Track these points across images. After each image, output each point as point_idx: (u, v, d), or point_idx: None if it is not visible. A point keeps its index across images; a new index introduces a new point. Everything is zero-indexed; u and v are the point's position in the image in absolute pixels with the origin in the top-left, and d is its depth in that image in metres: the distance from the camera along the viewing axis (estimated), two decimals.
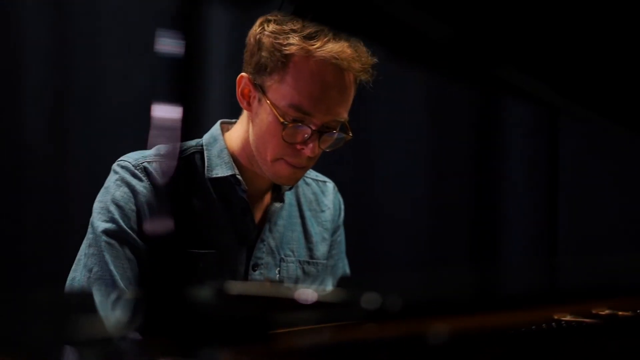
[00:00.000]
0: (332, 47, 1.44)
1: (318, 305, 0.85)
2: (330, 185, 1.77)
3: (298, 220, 1.69)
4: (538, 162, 2.40)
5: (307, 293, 0.86)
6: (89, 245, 1.49)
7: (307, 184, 1.72)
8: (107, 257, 1.47)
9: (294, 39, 1.45)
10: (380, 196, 2.44)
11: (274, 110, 1.46)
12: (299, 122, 1.46)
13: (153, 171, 1.53)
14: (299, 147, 1.48)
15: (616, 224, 2.29)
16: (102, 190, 1.54)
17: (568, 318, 1.08)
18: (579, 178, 2.35)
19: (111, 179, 1.53)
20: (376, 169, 2.45)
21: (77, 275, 1.50)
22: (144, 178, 1.52)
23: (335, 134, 1.50)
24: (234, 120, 1.64)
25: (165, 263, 1.55)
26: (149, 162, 1.54)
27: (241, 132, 1.58)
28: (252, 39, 1.51)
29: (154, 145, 0.70)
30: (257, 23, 1.51)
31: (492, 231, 2.43)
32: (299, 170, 1.53)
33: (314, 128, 1.47)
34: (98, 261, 1.47)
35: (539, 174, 2.40)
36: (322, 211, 1.73)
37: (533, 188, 2.41)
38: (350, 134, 1.51)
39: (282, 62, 1.45)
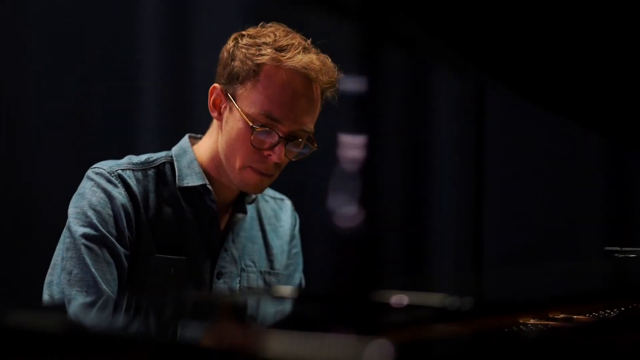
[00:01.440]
0: (301, 58, 1.53)
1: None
2: (288, 202, 1.84)
3: (259, 233, 1.75)
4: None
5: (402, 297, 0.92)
6: (67, 249, 1.52)
7: (266, 200, 1.79)
8: (87, 260, 1.50)
9: (265, 50, 1.53)
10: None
11: (244, 117, 1.53)
12: (267, 128, 1.53)
13: (127, 178, 1.58)
14: (266, 153, 1.55)
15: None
16: (76, 196, 1.57)
17: (533, 322, 1.16)
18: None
19: (86, 185, 1.57)
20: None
21: (55, 278, 1.53)
22: (119, 184, 1.57)
23: (302, 144, 1.57)
24: (199, 135, 1.71)
25: (140, 267, 1.60)
26: (122, 169, 1.59)
27: (210, 143, 1.64)
28: (225, 53, 1.59)
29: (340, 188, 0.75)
30: (231, 38, 1.59)
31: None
32: (265, 178, 1.59)
33: (281, 135, 1.54)
34: (77, 264, 1.51)
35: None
36: (281, 226, 1.80)
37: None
38: (316, 146, 1.59)
39: (254, 70, 1.53)
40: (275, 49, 1.53)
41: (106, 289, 1.50)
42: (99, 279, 1.50)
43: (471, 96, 2.44)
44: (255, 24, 1.63)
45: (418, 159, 2.52)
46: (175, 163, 1.64)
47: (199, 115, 2.37)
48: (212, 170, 1.64)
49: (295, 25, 1.62)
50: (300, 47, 1.55)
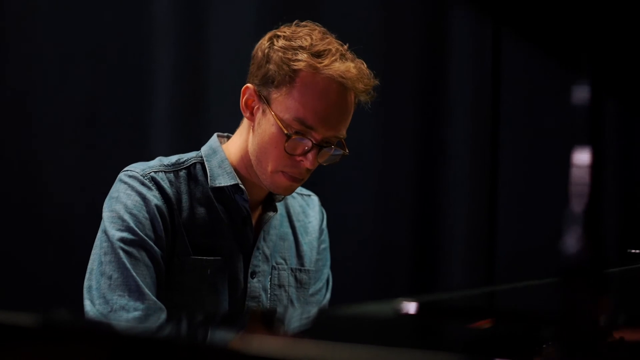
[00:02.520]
0: (338, 67, 1.52)
1: None
2: (315, 198, 1.85)
3: (289, 230, 1.76)
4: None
5: None
6: (105, 253, 1.53)
7: (293, 197, 1.79)
8: (127, 264, 1.51)
9: (302, 55, 1.52)
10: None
11: (278, 122, 1.53)
12: (301, 134, 1.53)
13: (160, 181, 1.58)
14: (298, 158, 1.55)
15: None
16: (110, 200, 1.58)
17: None
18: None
19: (120, 189, 1.58)
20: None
21: (93, 283, 1.53)
22: (152, 187, 1.57)
23: (333, 149, 1.58)
24: (226, 134, 1.71)
25: (176, 269, 1.60)
26: (155, 172, 1.60)
27: (240, 143, 1.64)
28: (259, 53, 1.58)
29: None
30: (266, 38, 1.58)
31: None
32: (296, 182, 1.60)
33: (314, 142, 1.54)
34: (117, 268, 1.51)
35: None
36: (310, 222, 1.80)
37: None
38: (347, 151, 1.59)
39: (289, 76, 1.52)
40: (312, 55, 1.52)
41: (149, 292, 1.50)
42: (141, 283, 1.50)
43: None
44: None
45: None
46: (206, 163, 1.64)
47: (212, 114, 2.41)
48: (243, 169, 1.64)
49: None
50: (338, 54, 1.54)
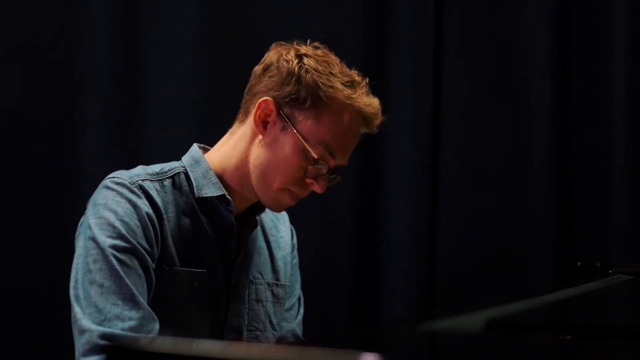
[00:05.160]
0: (368, 102, 1.57)
1: None
2: (285, 213, 1.82)
3: (264, 244, 1.73)
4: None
5: None
6: (94, 261, 1.45)
7: (265, 212, 1.75)
8: (120, 272, 1.44)
9: (336, 84, 1.54)
10: None
11: (304, 144, 1.53)
12: (322, 159, 1.54)
13: (148, 189, 1.53)
14: (308, 181, 1.56)
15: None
16: (96, 207, 1.51)
17: None
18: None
19: (108, 195, 1.51)
20: None
21: (81, 292, 1.45)
22: (141, 195, 1.52)
23: (337, 177, 1.62)
24: (202, 145, 1.67)
25: (164, 280, 1.53)
26: (142, 180, 1.54)
27: (231, 152, 1.61)
28: (284, 69, 1.55)
29: None
30: (292, 54, 1.56)
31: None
32: (295, 201, 1.61)
33: (330, 167, 1.57)
34: (109, 276, 1.44)
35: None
36: (281, 237, 1.78)
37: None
38: (340, 177, 1.62)
39: (323, 102, 1.53)
40: (344, 84, 1.55)
41: (143, 301, 1.45)
42: (135, 291, 1.44)
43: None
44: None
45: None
46: (190, 173, 1.60)
47: (152, 115, 2.30)
48: (229, 179, 1.61)
49: None
50: (365, 87, 1.58)
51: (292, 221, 1.81)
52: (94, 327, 1.40)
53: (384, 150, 2.44)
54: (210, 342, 1.39)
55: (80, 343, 1.41)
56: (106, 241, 1.45)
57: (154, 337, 1.40)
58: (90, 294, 1.43)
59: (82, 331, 1.41)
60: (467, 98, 2.48)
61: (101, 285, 1.43)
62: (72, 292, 1.46)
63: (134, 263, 1.45)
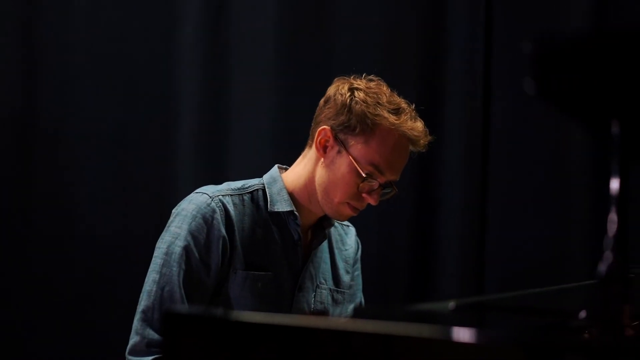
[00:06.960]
0: (412, 126, 1.79)
1: None
2: (352, 229, 2.08)
3: (328, 255, 1.98)
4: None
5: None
6: (162, 265, 1.76)
7: (335, 226, 2.01)
8: (180, 280, 1.75)
9: (382, 112, 1.78)
10: None
11: (356, 165, 1.78)
12: (372, 177, 1.78)
13: (226, 204, 1.81)
14: (364, 195, 1.81)
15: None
16: (178, 218, 1.80)
17: None
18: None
19: (188, 208, 1.80)
20: None
21: (150, 289, 1.77)
22: (217, 209, 1.79)
23: (391, 190, 1.85)
24: (284, 166, 1.94)
25: (231, 281, 1.80)
26: (223, 195, 1.82)
27: (302, 173, 1.87)
28: (339, 101, 1.81)
29: None
30: (345, 88, 1.81)
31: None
32: (355, 213, 1.85)
33: (381, 183, 1.81)
34: (168, 281, 1.75)
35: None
36: (346, 249, 2.03)
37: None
38: (396, 190, 1.85)
39: (370, 128, 1.78)
40: (390, 112, 1.78)
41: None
42: (185, 299, 1.74)
43: None
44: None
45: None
46: (267, 190, 1.86)
47: (235, 135, 2.61)
48: (300, 196, 1.87)
49: None
50: (409, 113, 1.80)
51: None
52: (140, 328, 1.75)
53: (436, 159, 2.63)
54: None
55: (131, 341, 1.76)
56: (176, 251, 1.76)
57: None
58: (154, 289, 1.76)
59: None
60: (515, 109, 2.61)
61: (162, 289, 1.75)
62: (143, 288, 1.78)
63: (193, 276, 1.75)
